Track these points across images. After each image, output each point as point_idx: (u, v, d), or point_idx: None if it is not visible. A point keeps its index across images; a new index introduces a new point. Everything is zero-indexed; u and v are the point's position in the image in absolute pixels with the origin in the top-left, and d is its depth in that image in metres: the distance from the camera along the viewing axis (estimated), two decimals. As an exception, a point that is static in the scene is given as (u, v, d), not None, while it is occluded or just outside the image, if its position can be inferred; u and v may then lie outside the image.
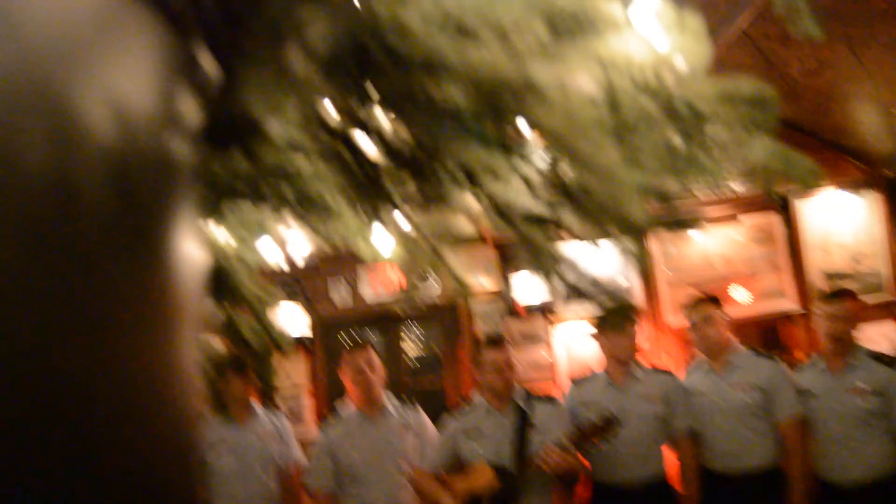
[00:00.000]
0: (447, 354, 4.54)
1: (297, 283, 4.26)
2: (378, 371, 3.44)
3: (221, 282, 1.15)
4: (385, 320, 4.50)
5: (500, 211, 0.81)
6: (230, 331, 1.25)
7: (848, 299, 3.21)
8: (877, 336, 4.19)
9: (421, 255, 0.95)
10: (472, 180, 0.79)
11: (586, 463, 3.13)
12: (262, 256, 1.20)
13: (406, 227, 0.93)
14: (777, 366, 3.25)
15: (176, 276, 0.44)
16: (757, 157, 0.73)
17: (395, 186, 0.87)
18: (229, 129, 0.69)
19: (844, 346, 3.15)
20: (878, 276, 4.45)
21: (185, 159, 0.44)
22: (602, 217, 0.74)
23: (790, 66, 3.81)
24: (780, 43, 3.68)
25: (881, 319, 4.35)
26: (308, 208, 0.94)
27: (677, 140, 0.71)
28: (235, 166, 0.93)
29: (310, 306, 4.31)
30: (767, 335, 4.55)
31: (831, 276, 4.42)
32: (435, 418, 3.51)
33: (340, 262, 4.38)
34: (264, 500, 3.41)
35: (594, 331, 3.46)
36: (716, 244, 4.48)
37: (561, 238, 0.93)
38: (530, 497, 3.01)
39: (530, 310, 4.18)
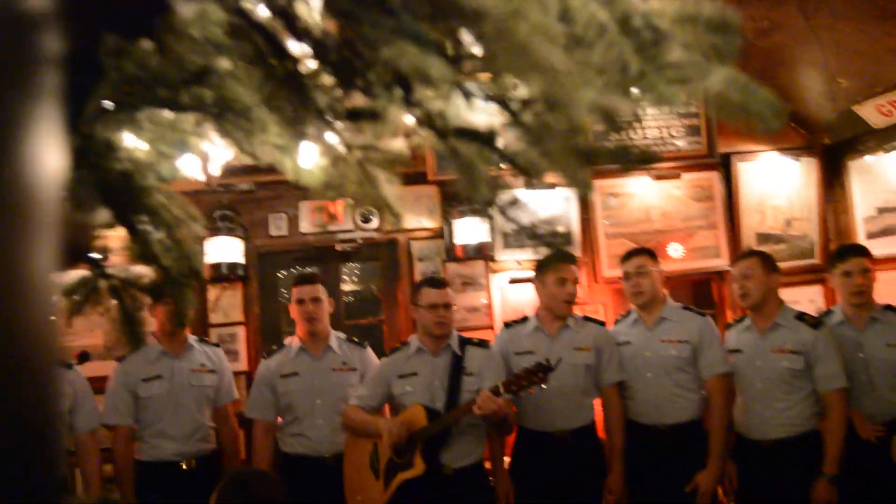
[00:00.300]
0: (385, 294, 4.50)
1: (233, 213, 4.11)
2: (324, 306, 3.39)
3: (132, 197, 1.06)
4: (323, 256, 4.41)
5: (436, 126, 0.75)
6: (143, 253, 1.16)
7: (752, 258, 3.26)
8: (803, 300, 4.33)
9: (350, 175, 0.89)
10: (407, 91, 0.72)
11: (514, 409, 3.16)
12: (183, 172, 1.11)
13: (335, 144, 0.85)
14: (707, 322, 3.31)
15: (26, 172, 0.37)
16: (715, 84, 0.69)
17: (324, 97, 0.79)
18: (130, 8, 0.61)
19: (761, 305, 3.19)
20: (807, 240, 4.57)
21: (37, 18, 0.36)
22: (548, 138, 0.69)
23: (743, 24, 3.80)
24: (737, -1, 3.66)
25: (808, 284, 4.49)
26: (230, 119, 0.85)
27: (632, 59, 0.65)
28: (150, 65, 0.84)
29: (246, 238, 4.18)
30: (700, 292, 4.66)
31: (764, 238, 4.52)
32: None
33: (279, 193, 4.25)
34: (197, 431, 3.36)
35: (532, 275, 3.46)
36: (655, 198, 4.52)
37: (502, 175, 0.88)
38: (461, 441, 3.03)
39: (469, 252, 4.14)
